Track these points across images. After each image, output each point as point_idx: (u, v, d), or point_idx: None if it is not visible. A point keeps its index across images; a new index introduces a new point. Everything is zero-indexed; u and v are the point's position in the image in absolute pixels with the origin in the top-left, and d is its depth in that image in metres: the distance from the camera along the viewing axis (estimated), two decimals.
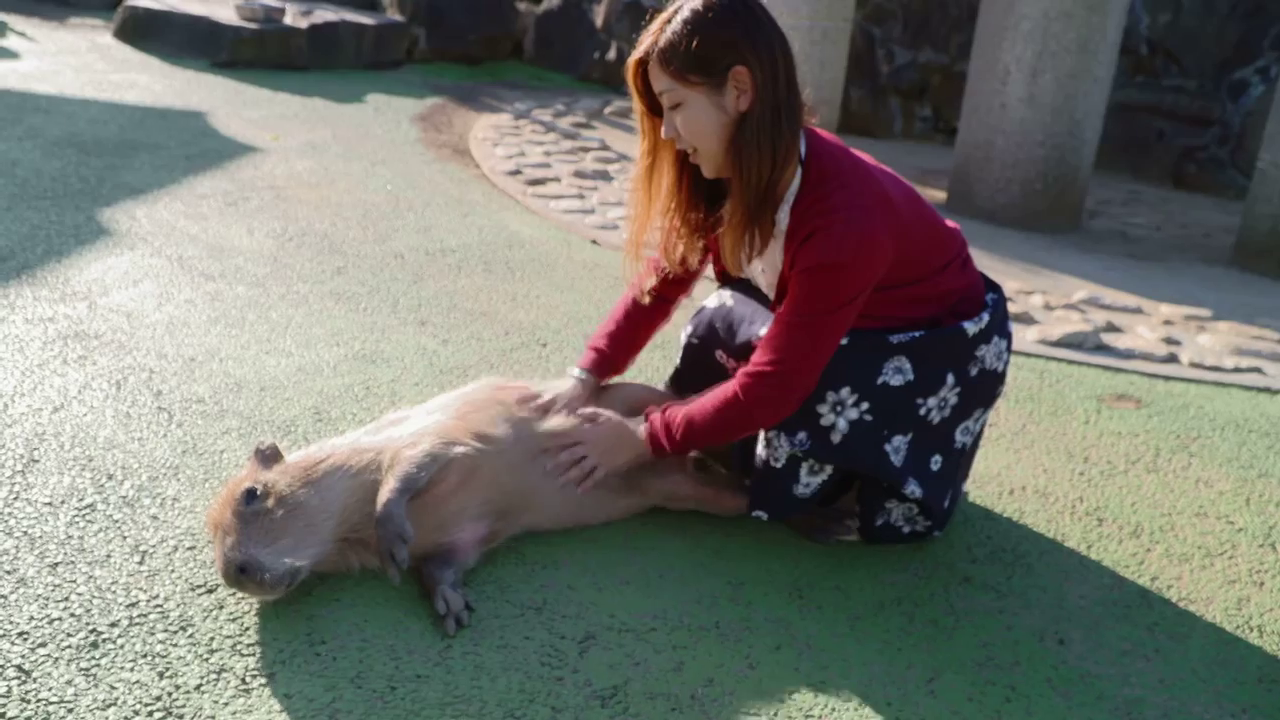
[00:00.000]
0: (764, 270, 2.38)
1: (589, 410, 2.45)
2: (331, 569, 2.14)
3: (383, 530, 2.03)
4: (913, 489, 2.34)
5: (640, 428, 2.39)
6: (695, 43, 2.12)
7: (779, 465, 2.34)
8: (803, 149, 2.22)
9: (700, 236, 2.40)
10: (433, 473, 2.15)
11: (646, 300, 2.56)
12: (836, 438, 2.28)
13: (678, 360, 2.64)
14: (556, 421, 2.42)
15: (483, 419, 2.33)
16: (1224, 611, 2.36)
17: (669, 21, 2.17)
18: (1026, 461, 3.00)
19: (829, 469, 2.35)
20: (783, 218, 2.22)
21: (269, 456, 2.15)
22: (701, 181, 2.32)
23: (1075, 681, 2.08)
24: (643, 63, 2.22)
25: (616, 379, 2.67)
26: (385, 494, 2.08)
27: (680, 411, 2.33)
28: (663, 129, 2.23)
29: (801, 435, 2.28)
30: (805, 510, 2.42)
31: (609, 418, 2.43)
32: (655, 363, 3.36)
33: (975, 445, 2.53)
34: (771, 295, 2.37)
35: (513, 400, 2.45)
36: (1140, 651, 2.20)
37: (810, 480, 2.35)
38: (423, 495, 2.15)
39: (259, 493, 2.03)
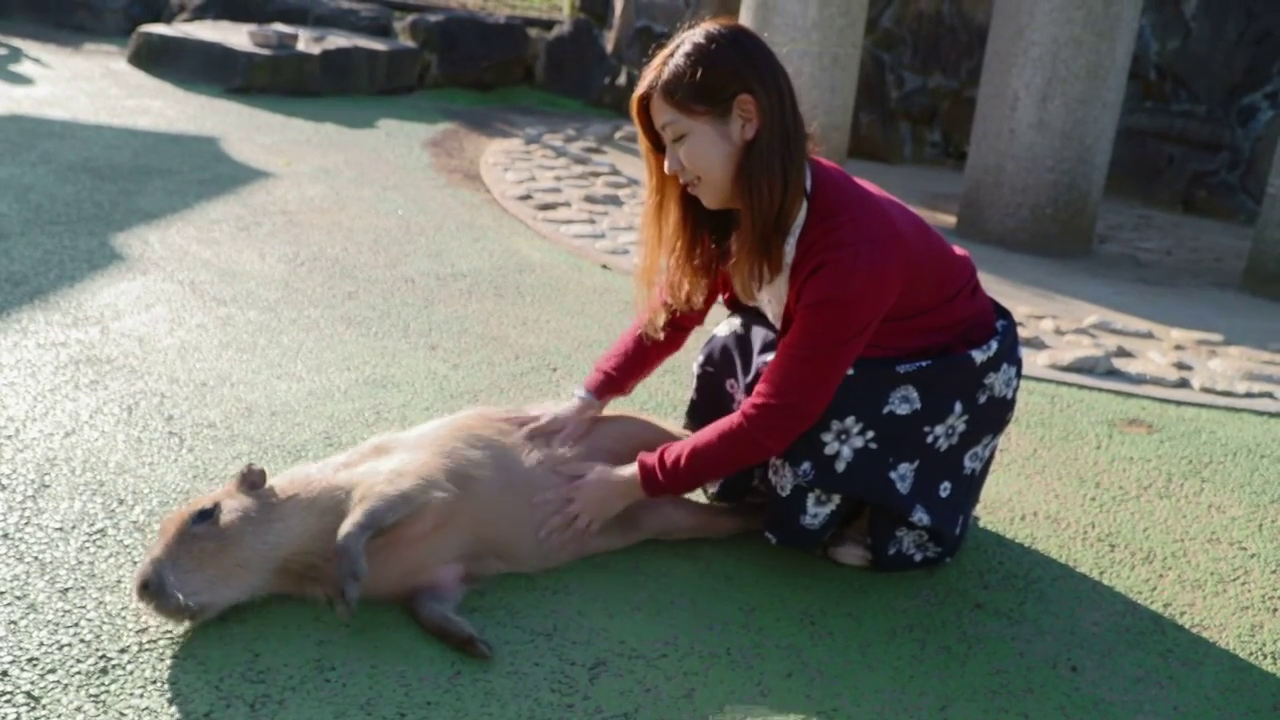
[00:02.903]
0: (770, 301, 2.37)
1: (573, 481, 2.41)
2: (292, 591, 2.13)
3: (339, 565, 2.01)
4: (920, 516, 2.34)
5: (629, 470, 2.35)
6: (699, 73, 2.12)
7: (784, 495, 2.34)
8: (808, 180, 2.22)
9: (706, 275, 2.39)
10: (403, 515, 2.11)
11: (661, 337, 2.55)
12: (841, 466, 2.27)
13: (692, 390, 2.63)
14: (544, 455, 2.40)
15: (468, 458, 2.29)
16: (1237, 638, 2.35)
17: (671, 56, 2.17)
18: (1038, 487, 2.99)
19: (836, 499, 2.34)
20: (789, 250, 2.22)
21: (253, 482, 2.15)
22: (706, 218, 2.31)
23: (1089, 709, 2.07)
24: (645, 99, 2.21)
25: (620, 409, 2.67)
26: (347, 527, 2.04)
27: (682, 447, 2.30)
28: (666, 164, 2.23)
29: (805, 465, 2.28)
30: (815, 540, 2.41)
31: (595, 471, 2.39)
32: (666, 388, 3.36)
33: (985, 470, 2.52)
34: (778, 325, 2.37)
35: (506, 428, 2.42)
36: (1154, 679, 2.18)
37: (818, 510, 2.34)
38: (395, 537, 2.12)
39: (212, 514, 2.04)
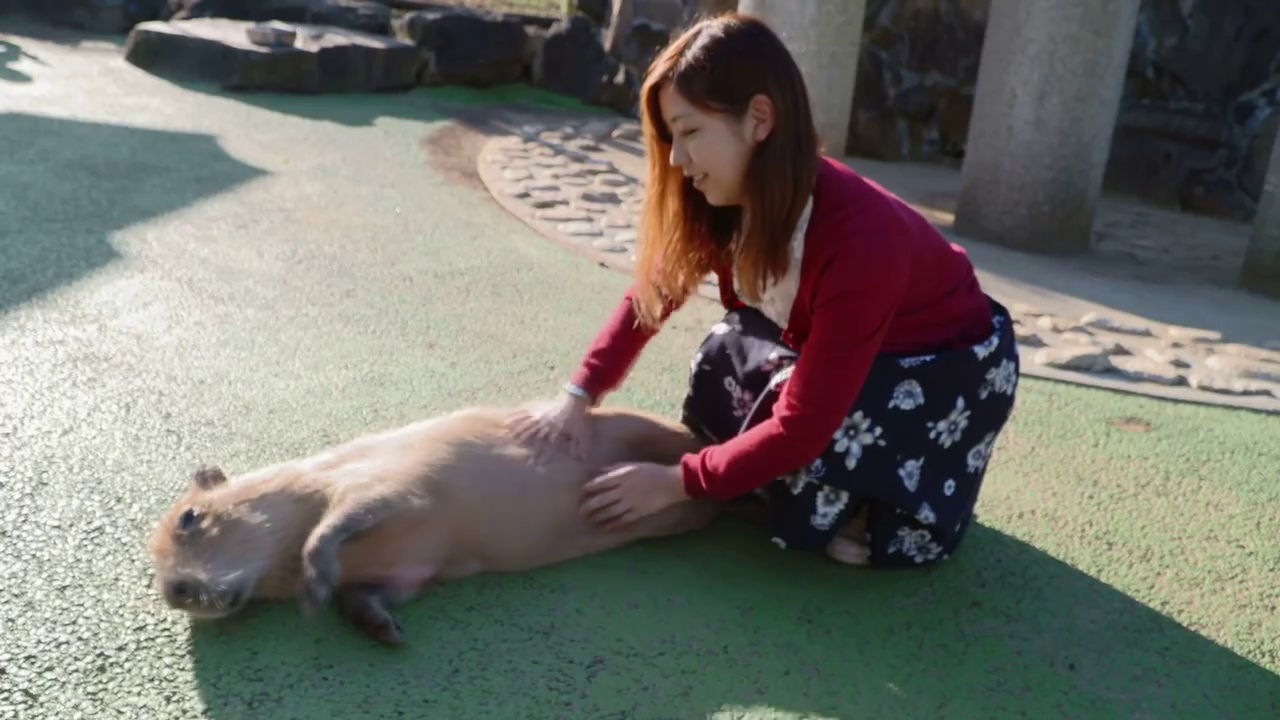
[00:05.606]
0: (774, 300, 2.37)
1: (619, 469, 2.42)
2: (275, 595, 2.10)
3: (309, 564, 1.98)
4: (926, 514, 2.34)
5: (674, 471, 2.37)
6: (718, 69, 2.10)
7: (796, 492, 2.33)
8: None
9: (703, 270, 2.39)
10: (380, 520, 2.09)
11: (659, 327, 2.55)
12: (851, 463, 2.27)
13: (689, 387, 2.63)
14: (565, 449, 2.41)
15: (450, 465, 2.26)
16: (1235, 636, 2.35)
17: (687, 47, 2.14)
18: (1035, 485, 2.99)
19: (845, 498, 2.33)
20: (796, 246, 2.22)
21: (210, 479, 2.14)
22: (706, 212, 2.31)
23: (1086, 707, 2.07)
24: (655, 88, 2.19)
25: (623, 410, 2.67)
26: (322, 528, 2.03)
27: (723, 454, 2.30)
28: (671, 155, 2.21)
29: (816, 462, 2.27)
30: (824, 542, 2.40)
31: (641, 465, 2.41)
32: (665, 386, 3.36)
33: (984, 469, 2.52)
34: (783, 324, 2.36)
35: (499, 430, 2.40)
36: (1151, 677, 2.18)
37: (827, 510, 2.34)
38: (368, 536, 2.09)
39: (196, 514, 2.02)
